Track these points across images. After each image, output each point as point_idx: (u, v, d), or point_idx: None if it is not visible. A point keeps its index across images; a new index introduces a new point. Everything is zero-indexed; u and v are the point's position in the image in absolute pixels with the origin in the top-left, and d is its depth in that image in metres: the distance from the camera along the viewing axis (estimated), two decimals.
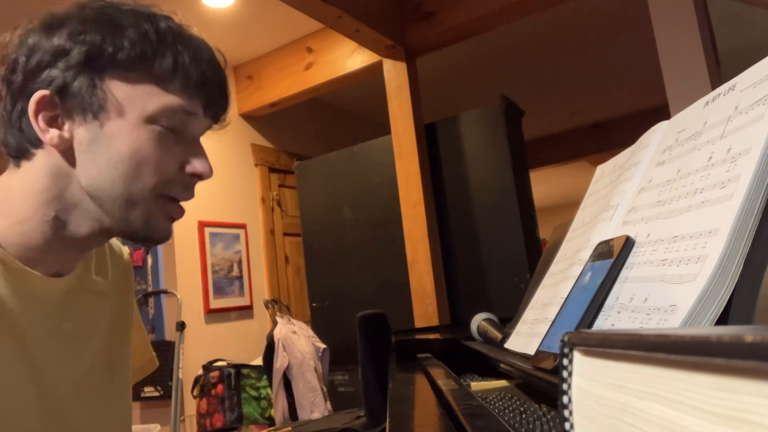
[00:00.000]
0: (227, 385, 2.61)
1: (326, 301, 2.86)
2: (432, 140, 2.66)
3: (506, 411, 0.53)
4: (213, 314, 3.09)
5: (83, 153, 0.58)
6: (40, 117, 0.57)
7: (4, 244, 0.58)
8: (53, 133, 0.57)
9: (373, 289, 2.71)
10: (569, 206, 8.77)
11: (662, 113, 1.05)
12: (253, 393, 2.66)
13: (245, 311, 3.29)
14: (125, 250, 0.78)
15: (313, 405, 2.47)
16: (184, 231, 3.00)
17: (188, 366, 2.78)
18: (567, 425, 0.30)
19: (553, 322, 0.57)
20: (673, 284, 0.41)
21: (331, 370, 2.71)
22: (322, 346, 2.66)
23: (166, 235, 0.64)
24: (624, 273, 0.50)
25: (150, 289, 2.99)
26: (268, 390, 2.63)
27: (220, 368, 2.65)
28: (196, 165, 0.63)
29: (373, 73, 2.89)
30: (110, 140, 0.58)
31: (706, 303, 0.37)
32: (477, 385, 0.72)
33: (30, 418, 0.57)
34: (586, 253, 0.60)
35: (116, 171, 0.58)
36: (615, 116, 5.35)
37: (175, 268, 2.94)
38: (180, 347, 2.69)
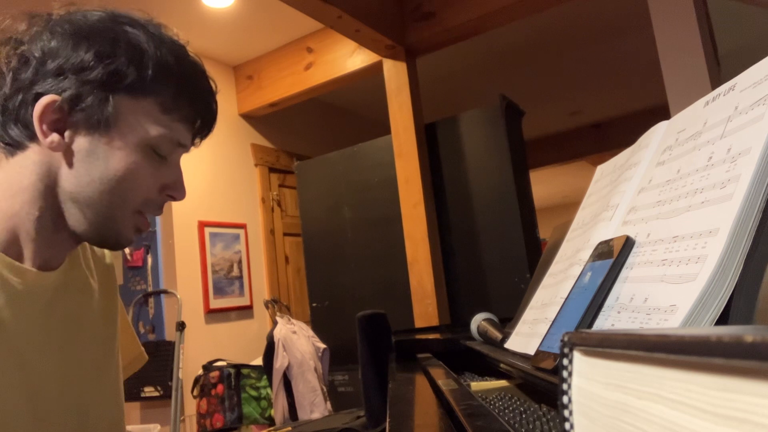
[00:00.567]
0: (227, 385, 2.61)
1: (326, 301, 2.86)
2: (432, 140, 2.66)
3: (506, 411, 0.53)
4: (213, 314, 3.09)
5: (79, 161, 0.59)
6: (45, 119, 0.58)
7: None
8: (54, 137, 0.58)
9: (373, 289, 2.71)
10: (569, 206, 8.77)
11: (662, 113, 1.05)
12: (253, 393, 2.66)
13: (245, 311, 3.29)
14: (107, 252, 0.79)
15: (313, 405, 2.47)
16: (184, 231, 3.00)
17: (188, 366, 2.78)
18: (567, 425, 0.30)
19: (553, 322, 0.57)
20: (673, 284, 0.41)
21: (331, 370, 2.71)
22: (322, 346, 2.66)
23: (129, 243, 0.67)
24: (624, 273, 0.50)
25: (150, 289, 2.99)
26: (268, 390, 2.63)
27: (220, 368, 2.65)
28: (175, 190, 0.66)
29: (373, 73, 2.89)
30: (108, 156, 0.60)
31: (706, 303, 0.37)
32: (477, 385, 0.72)
33: (18, 413, 0.57)
34: (586, 253, 0.60)
35: (107, 185, 0.60)
36: (615, 116, 5.36)
37: (175, 268, 2.94)
38: (180, 347, 2.69)
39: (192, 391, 2.72)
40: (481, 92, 3.88)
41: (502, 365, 0.71)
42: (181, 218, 2.99)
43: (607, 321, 0.48)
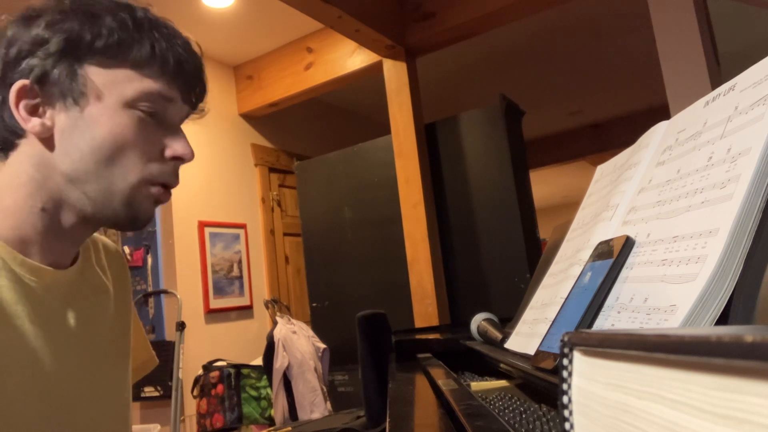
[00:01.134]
0: (227, 385, 2.61)
1: (326, 301, 2.86)
2: (432, 140, 2.66)
3: (506, 411, 0.53)
4: (213, 314, 3.09)
5: (66, 139, 0.59)
6: (21, 106, 0.58)
7: (2, 238, 0.58)
8: (35, 121, 0.59)
9: (373, 289, 2.71)
10: (569, 206, 8.77)
11: (662, 113, 1.05)
12: (253, 393, 2.66)
13: (245, 311, 3.29)
14: (120, 250, 0.79)
15: (313, 405, 2.47)
16: (184, 231, 3.00)
17: (188, 366, 2.78)
18: (567, 425, 0.30)
19: (553, 322, 0.57)
20: (673, 284, 0.41)
21: (331, 370, 2.71)
22: (322, 346, 2.66)
23: (149, 217, 0.65)
24: (624, 273, 0.50)
25: (150, 289, 2.99)
26: (268, 390, 2.63)
27: (220, 368, 2.65)
28: (176, 147, 0.63)
29: (373, 73, 2.89)
30: (91, 125, 0.59)
31: (706, 303, 0.37)
32: (477, 385, 0.72)
33: (31, 410, 0.57)
34: (586, 253, 0.60)
35: (99, 154, 0.59)
36: (615, 116, 5.36)
37: (175, 268, 2.94)
38: (180, 347, 2.69)
39: (192, 391, 2.72)
40: (481, 92, 3.88)
41: (502, 365, 0.71)
42: (181, 218, 2.99)
43: (607, 321, 0.48)
